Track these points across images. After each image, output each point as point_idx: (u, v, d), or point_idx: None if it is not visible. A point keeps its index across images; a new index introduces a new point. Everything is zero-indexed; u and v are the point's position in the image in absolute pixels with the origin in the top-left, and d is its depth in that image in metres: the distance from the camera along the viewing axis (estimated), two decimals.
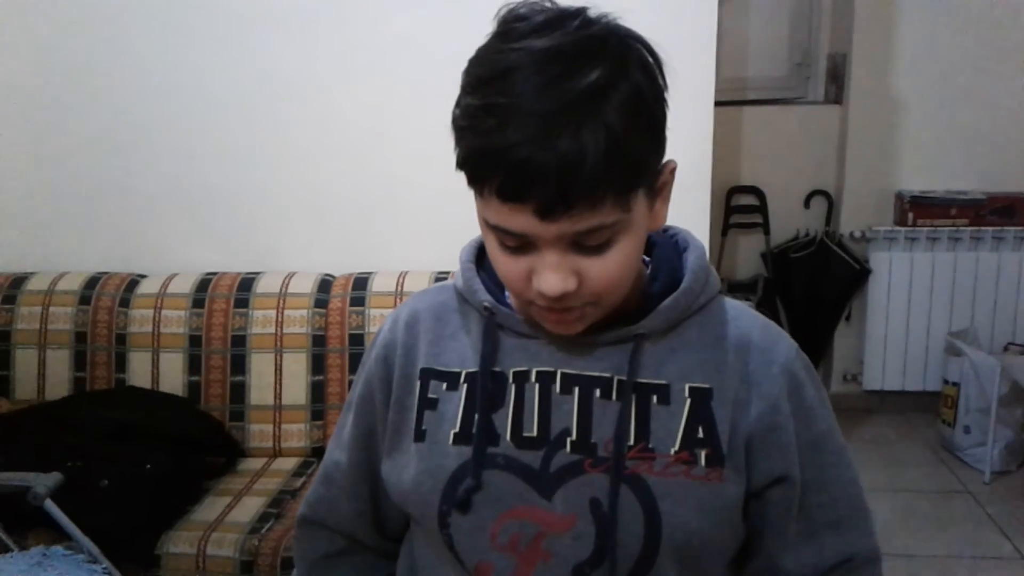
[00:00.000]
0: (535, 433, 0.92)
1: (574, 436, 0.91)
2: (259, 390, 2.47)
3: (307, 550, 1.11)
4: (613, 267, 0.84)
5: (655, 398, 0.91)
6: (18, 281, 2.61)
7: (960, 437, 3.47)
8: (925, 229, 3.76)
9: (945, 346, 3.66)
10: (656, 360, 0.92)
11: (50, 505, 1.81)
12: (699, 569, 0.92)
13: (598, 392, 0.92)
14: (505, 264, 0.86)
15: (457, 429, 0.94)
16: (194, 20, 2.62)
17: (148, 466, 2.10)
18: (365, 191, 2.68)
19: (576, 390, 0.92)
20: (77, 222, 2.76)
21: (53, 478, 1.84)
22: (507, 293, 0.96)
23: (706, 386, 0.91)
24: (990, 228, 3.74)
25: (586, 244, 0.82)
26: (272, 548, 2.00)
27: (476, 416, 0.93)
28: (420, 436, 0.96)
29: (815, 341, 3.94)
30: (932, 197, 3.78)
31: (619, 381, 0.91)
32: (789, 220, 4.02)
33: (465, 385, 0.95)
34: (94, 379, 2.51)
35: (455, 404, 0.95)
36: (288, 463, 2.42)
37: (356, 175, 2.67)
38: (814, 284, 3.88)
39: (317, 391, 2.47)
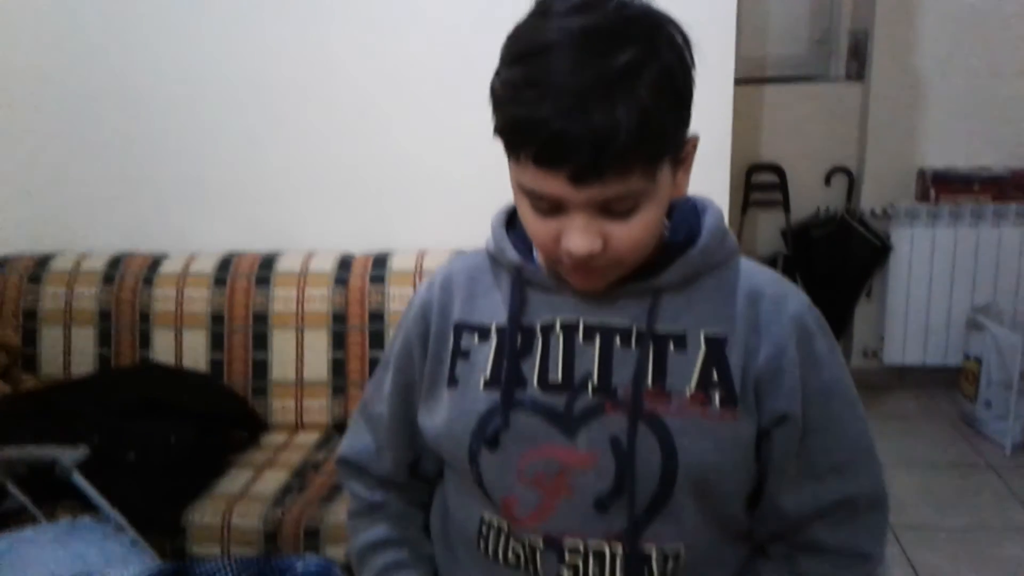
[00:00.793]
0: (560, 379, 0.98)
1: (596, 381, 0.97)
2: (281, 367, 2.50)
3: (356, 492, 1.20)
4: (637, 231, 0.90)
5: (672, 345, 0.97)
6: (43, 261, 2.65)
7: (981, 411, 3.46)
8: (947, 205, 3.72)
9: (967, 321, 3.64)
10: (673, 311, 0.98)
11: (78, 477, 1.85)
12: (714, 504, 0.98)
13: (618, 340, 0.97)
14: (536, 225, 0.91)
15: (487, 376, 1.01)
16: (210, 1, 2.64)
17: (172, 440, 2.14)
18: (383, 170, 2.69)
19: (598, 338, 0.98)
20: (100, 204, 2.79)
21: (80, 451, 1.88)
22: (535, 253, 1.03)
23: (721, 335, 0.97)
24: (1014, 204, 3.70)
25: (613, 209, 0.88)
26: (295, 519, 2.03)
27: (505, 363, 0.99)
28: (453, 383, 1.04)
29: (835, 317, 3.91)
30: (954, 173, 3.74)
31: (638, 330, 0.97)
32: (809, 198, 3.99)
33: (495, 337, 1.02)
34: (119, 357, 2.55)
35: (486, 354, 1.02)
36: (310, 437, 2.45)
37: (374, 154, 2.68)
38: (834, 261, 3.86)
39: (338, 367, 2.49)
